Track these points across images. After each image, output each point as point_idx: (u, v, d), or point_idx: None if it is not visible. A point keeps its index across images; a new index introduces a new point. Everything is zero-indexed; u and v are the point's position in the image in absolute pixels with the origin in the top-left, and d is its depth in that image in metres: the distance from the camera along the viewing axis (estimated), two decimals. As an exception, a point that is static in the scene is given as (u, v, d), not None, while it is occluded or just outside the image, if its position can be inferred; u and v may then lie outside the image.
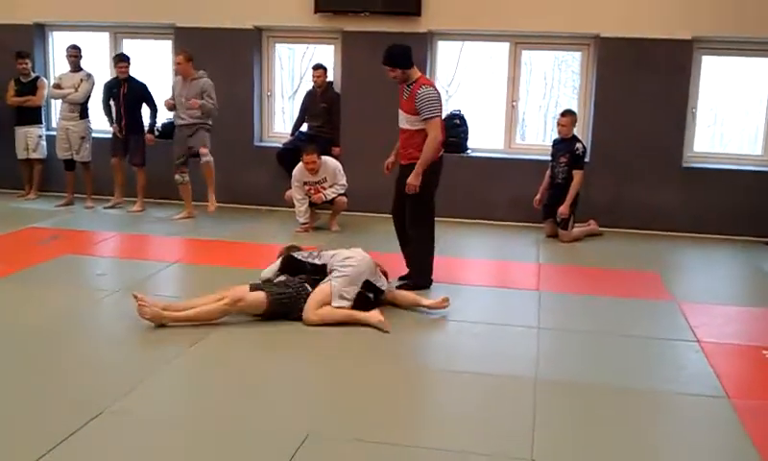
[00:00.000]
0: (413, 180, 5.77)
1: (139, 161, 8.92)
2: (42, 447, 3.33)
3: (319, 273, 5.26)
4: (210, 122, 8.49)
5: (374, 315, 5.05)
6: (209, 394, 4.10)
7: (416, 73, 5.88)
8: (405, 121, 5.91)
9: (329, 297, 5.08)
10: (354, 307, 5.13)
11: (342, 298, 5.08)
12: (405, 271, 6.17)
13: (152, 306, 4.89)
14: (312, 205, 8.12)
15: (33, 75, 9.36)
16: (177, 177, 8.50)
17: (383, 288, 5.42)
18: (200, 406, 3.94)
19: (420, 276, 6.05)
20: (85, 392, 3.97)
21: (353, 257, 5.28)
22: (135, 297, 4.94)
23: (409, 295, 5.60)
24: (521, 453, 3.47)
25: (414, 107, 5.77)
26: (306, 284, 5.16)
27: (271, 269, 5.43)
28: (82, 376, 4.21)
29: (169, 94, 8.54)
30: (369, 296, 5.27)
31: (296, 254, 5.44)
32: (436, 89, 5.91)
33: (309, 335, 4.93)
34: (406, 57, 5.85)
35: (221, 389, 4.14)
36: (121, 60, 8.83)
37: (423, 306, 5.46)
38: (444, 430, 3.76)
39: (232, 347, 4.70)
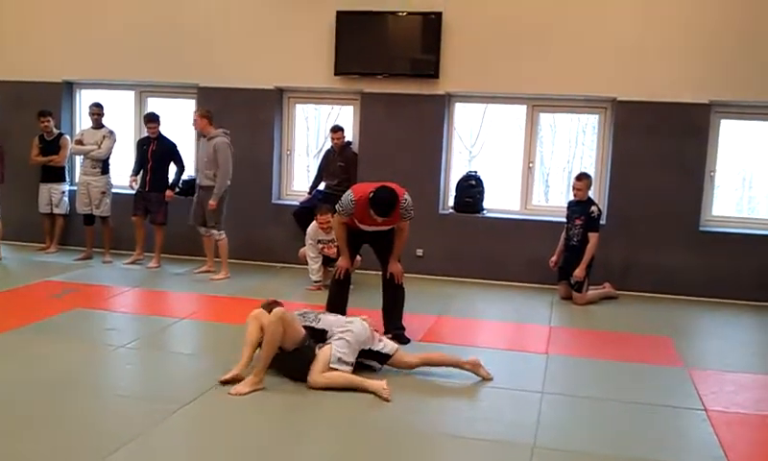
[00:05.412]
0: (400, 269, 6.26)
1: (161, 220, 9.02)
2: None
3: (317, 336, 5.22)
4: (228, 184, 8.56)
5: (377, 383, 4.99)
6: (197, 456, 4.07)
7: None
8: (374, 229, 6.15)
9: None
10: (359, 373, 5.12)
11: (341, 361, 5.05)
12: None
13: (244, 387, 4.87)
14: (326, 263, 8.16)
15: (55, 132, 9.57)
16: (200, 229, 8.66)
17: (388, 352, 5.38)
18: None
19: (403, 326, 6.27)
20: (73, 450, 3.97)
21: (353, 324, 5.28)
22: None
23: (446, 355, 5.50)
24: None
25: (397, 219, 6.01)
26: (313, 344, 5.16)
27: None
28: (74, 432, 4.21)
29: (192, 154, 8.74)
30: (371, 364, 5.31)
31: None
32: (406, 190, 6.08)
33: (309, 398, 4.89)
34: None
35: (211, 451, 4.11)
36: (150, 120, 8.97)
37: (462, 365, 5.37)
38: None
39: (230, 407, 4.67)
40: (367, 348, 5.27)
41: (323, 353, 5.09)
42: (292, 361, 5.05)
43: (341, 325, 5.26)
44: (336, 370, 5.03)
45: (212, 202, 8.41)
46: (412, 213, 6.07)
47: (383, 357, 5.35)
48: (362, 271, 7.34)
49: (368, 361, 5.32)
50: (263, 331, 5.02)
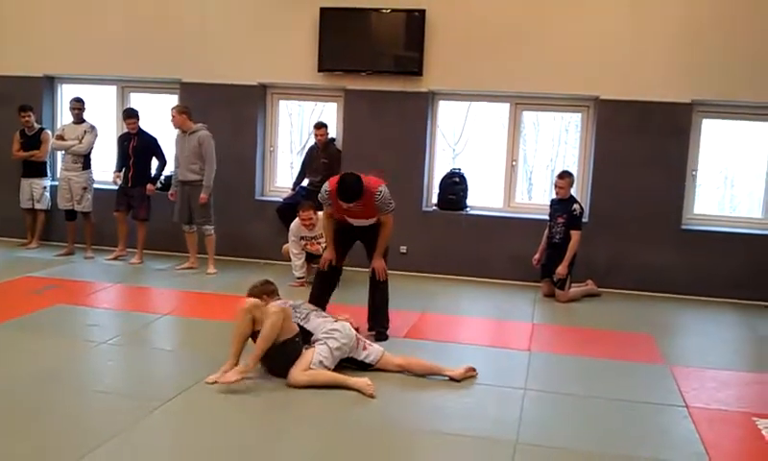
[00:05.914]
0: (383, 265, 6.21)
1: (144, 216, 8.98)
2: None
3: (302, 335, 5.20)
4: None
5: (360, 380, 4.97)
6: (178, 453, 4.05)
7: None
8: (358, 222, 6.14)
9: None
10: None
11: (322, 364, 5.04)
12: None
13: (233, 375, 4.84)
14: (309, 259, 8.14)
15: (36, 127, 9.50)
16: (184, 226, 8.64)
17: (372, 362, 5.33)
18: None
19: (387, 323, 6.25)
20: (55, 446, 3.94)
21: (339, 331, 5.22)
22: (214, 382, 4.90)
23: (425, 363, 5.42)
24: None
25: (374, 211, 6.00)
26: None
27: None
28: (55, 429, 4.18)
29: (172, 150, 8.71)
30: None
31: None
32: (383, 182, 6.05)
33: (292, 396, 4.87)
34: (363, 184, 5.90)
35: (193, 448, 4.09)
36: (129, 116, 8.92)
37: (447, 376, 5.28)
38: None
39: (212, 403, 4.66)
40: (349, 356, 5.26)
41: (307, 354, 5.08)
42: (277, 355, 5.01)
43: (326, 330, 5.22)
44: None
45: (203, 195, 8.39)
46: (391, 206, 6.04)
47: (366, 366, 5.32)
48: (349, 268, 7.33)
49: (351, 364, 5.31)
50: (255, 325, 4.99)
